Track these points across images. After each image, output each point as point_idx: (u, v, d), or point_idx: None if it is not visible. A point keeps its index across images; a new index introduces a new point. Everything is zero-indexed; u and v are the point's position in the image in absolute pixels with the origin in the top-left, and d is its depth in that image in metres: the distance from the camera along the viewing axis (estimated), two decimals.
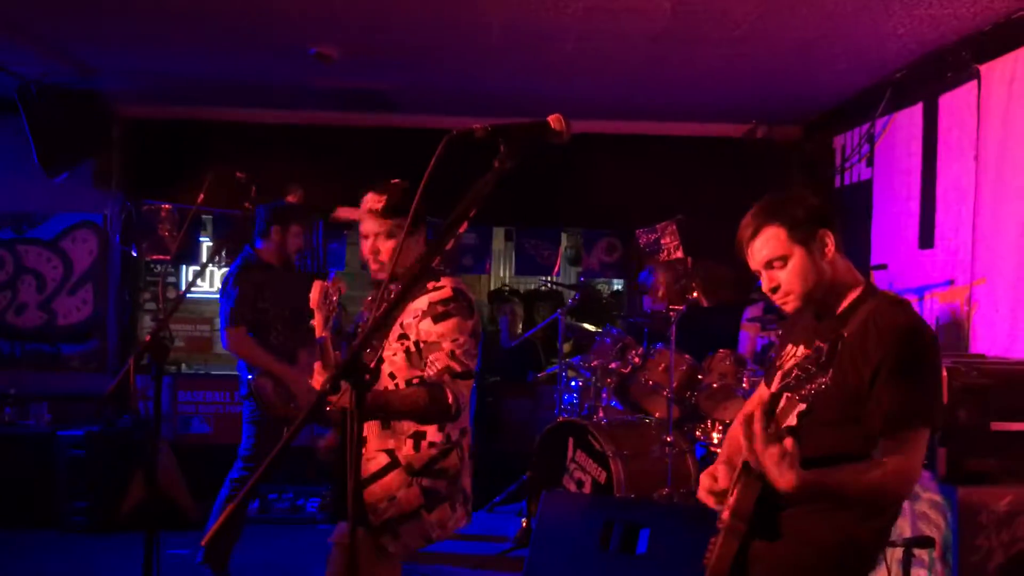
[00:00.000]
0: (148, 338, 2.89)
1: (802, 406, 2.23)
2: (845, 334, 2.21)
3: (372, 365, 2.92)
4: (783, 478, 2.09)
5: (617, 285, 9.44)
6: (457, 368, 2.88)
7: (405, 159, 6.88)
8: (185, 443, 6.70)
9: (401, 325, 2.98)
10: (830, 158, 6.43)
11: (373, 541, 2.90)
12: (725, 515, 2.29)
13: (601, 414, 5.42)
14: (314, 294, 3.02)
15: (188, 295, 7.07)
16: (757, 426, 2.13)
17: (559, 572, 4.27)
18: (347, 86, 6.09)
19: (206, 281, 8.09)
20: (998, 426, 3.39)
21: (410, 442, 2.96)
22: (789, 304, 2.37)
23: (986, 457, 3.37)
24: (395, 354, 2.96)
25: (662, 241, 7.03)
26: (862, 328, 2.23)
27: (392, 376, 2.96)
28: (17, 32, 5.11)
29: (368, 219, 3.04)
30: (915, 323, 2.27)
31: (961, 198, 4.75)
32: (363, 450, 2.90)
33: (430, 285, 2.98)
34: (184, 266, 7.90)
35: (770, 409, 2.21)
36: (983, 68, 4.57)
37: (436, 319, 2.91)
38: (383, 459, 2.95)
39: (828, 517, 2.25)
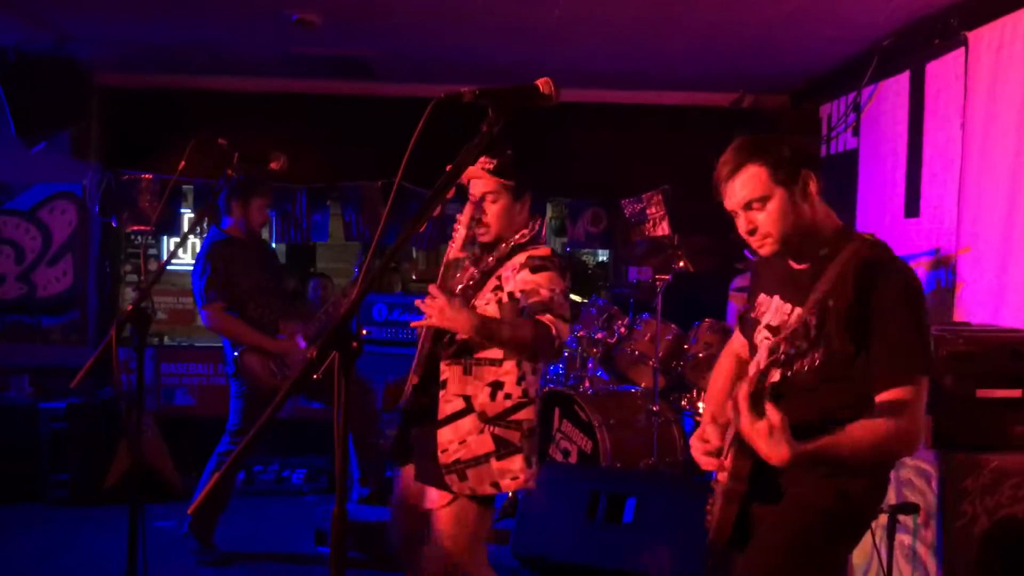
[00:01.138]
0: (130, 308, 2.85)
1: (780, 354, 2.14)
2: (831, 304, 2.12)
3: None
4: (775, 453, 2.02)
5: (602, 256, 9.42)
6: (557, 310, 2.99)
7: (388, 127, 6.84)
8: (169, 415, 6.66)
9: (498, 278, 3.11)
10: (816, 127, 6.41)
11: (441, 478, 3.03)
12: (722, 478, 2.27)
13: (587, 384, 5.42)
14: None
15: (170, 267, 7.01)
16: (743, 404, 2.05)
17: (546, 542, 4.29)
18: (329, 53, 6.01)
19: (188, 253, 8.02)
20: (983, 393, 3.40)
21: (487, 391, 3.06)
22: (766, 247, 2.28)
23: (971, 424, 3.38)
24: (488, 303, 3.09)
25: (648, 211, 7.02)
26: (842, 278, 2.15)
27: None
28: None
29: (479, 179, 3.12)
30: (899, 265, 2.20)
31: (947, 167, 4.74)
32: (441, 392, 3.06)
33: (531, 248, 3.13)
34: (165, 237, 7.82)
35: (758, 387, 2.08)
36: (971, 35, 4.54)
37: (533, 270, 3.04)
38: (459, 404, 3.06)
39: (824, 478, 2.22)
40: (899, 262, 2.22)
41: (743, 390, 2.06)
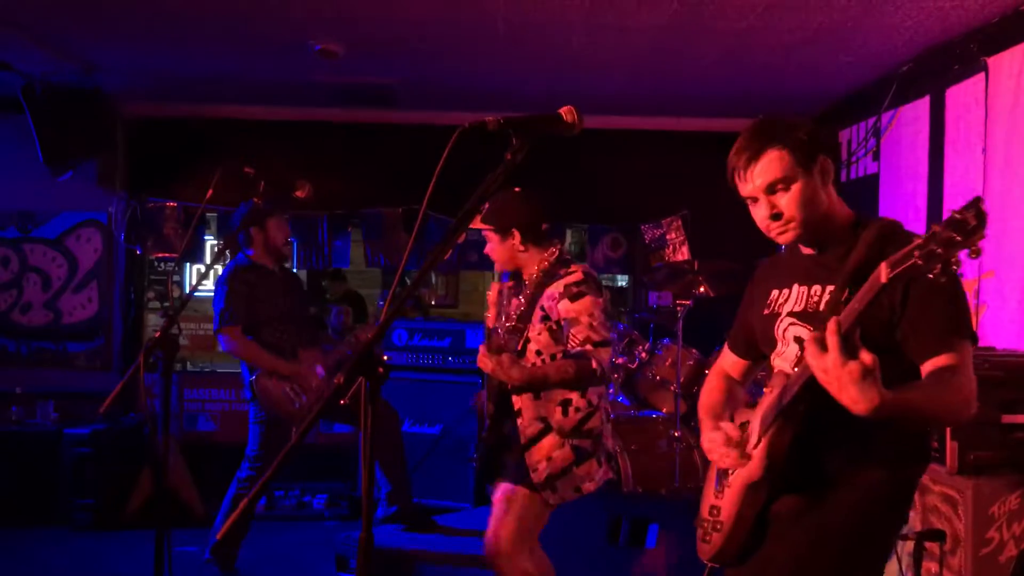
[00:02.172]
0: (158, 334, 2.88)
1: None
2: (865, 274, 1.91)
3: (519, 347, 3.37)
4: (864, 398, 1.82)
5: (621, 281, 9.42)
6: (596, 338, 3.32)
7: (408, 154, 6.93)
8: (191, 441, 6.70)
9: (542, 308, 3.41)
10: (836, 152, 6.42)
11: (538, 496, 3.40)
12: (756, 466, 2.16)
13: (608, 409, 5.41)
14: (491, 294, 3.62)
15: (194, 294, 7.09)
16: (833, 338, 1.82)
17: (567, 568, 4.27)
18: (352, 82, 6.08)
19: (210, 279, 8.08)
20: (1008, 419, 3.38)
21: (559, 409, 3.41)
22: (788, 233, 2.19)
23: (996, 450, 3.36)
24: (540, 333, 3.42)
25: (667, 236, 7.04)
26: (871, 251, 2.06)
27: (538, 353, 3.42)
28: (21, 31, 5.10)
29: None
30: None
31: (968, 192, 4.73)
32: (519, 420, 3.39)
33: (562, 271, 3.42)
34: (188, 264, 7.90)
35: (849, 329, 1.85)
36: (991, 61, 4.55)
37: (572, 299, 3.35)
38: (538, 425, 3.40)
39: (875, 464, 2.15)
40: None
41: (832, 326, 1.83)
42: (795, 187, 2.14)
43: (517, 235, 3.46)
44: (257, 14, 4.76)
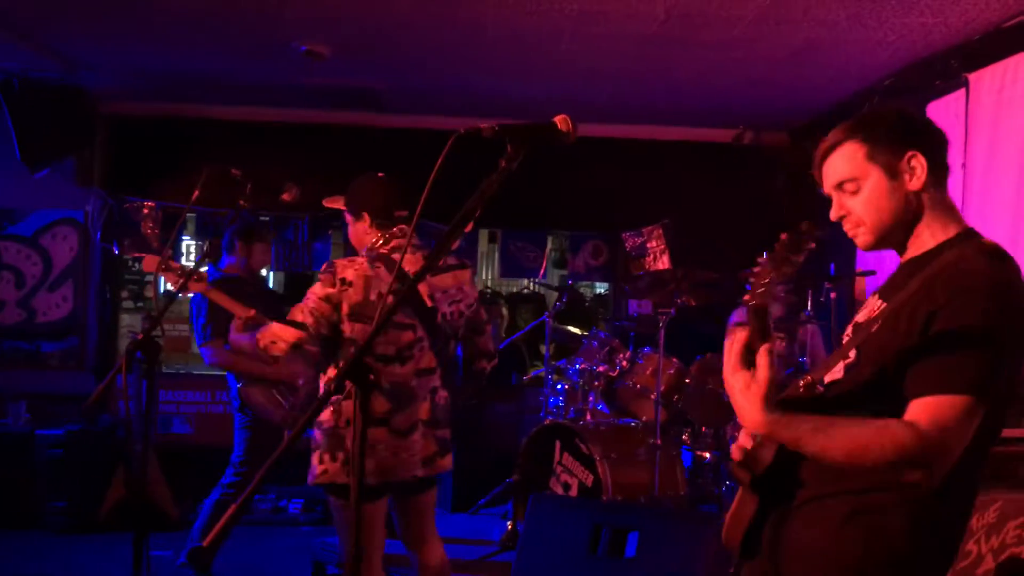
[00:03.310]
0: (140, 336, 2.84)
1: (850, 358, 1.87)
2: (912, 307, 1.77)
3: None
4: (746, 412, 1.73)
5: (600, 288, 9.44)
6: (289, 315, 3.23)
7: (393, 157, 6.88)
8: (165, 443, 6.62)
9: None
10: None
11: None
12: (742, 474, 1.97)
13: (588, 417, 5.42)
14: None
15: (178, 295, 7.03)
16: (735, 346, 1.75)
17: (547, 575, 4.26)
18: (338, 84, 6.06)
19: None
20: None
21: None
22: (860, 238, 1.93)
23: None
24: None
25: (648, 245, 7.06)
26: (931, 277, 1.78)
27: None
28: (2, 26, 5.04)
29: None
30: (997, 275, 1.76)
31: None
32: None
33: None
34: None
35: (760, 337, 1.77)
36: (972, 77, 4.61)
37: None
38: None
39: (846, 521, 1.81)
40: (1004, 274, 1.78)
41: (741, 332, 1.76)
42: (866, 187, 1.88)
43: (367, 218, 3.44)
44: (242, 13, 4.74)
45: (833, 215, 1.96)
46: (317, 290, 3.22)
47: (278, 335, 3.17)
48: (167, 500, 6.05)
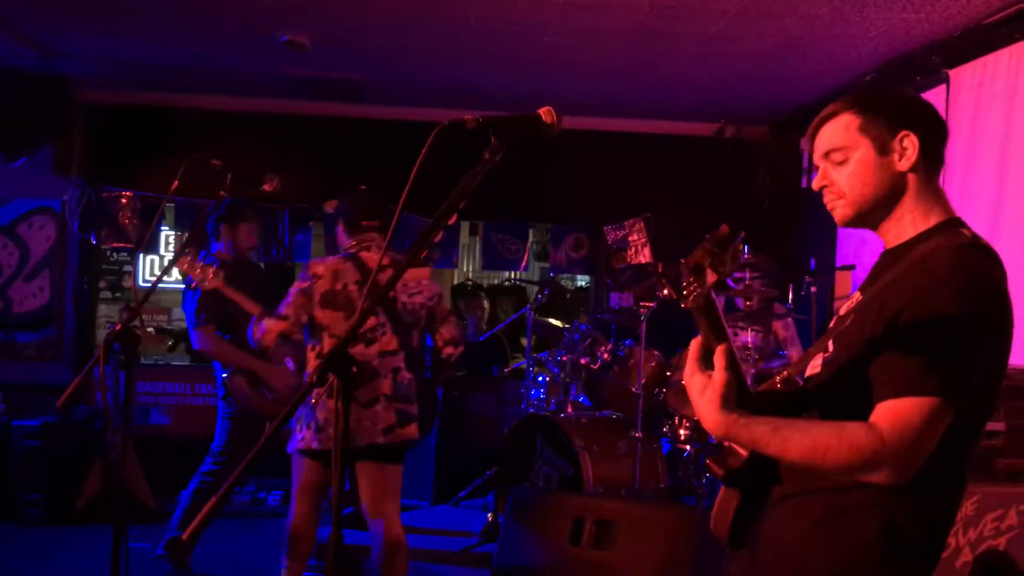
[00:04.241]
0: (119, 327, 2.82)
1: (829, 351, 1.83)
2: (878, 306, 1.74)
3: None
4: (705, 414, 1.71)
5: (581, 281, 9.45)
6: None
7: (374, 149, 6.87)
8: (143, 434, 6.58)
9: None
10: (797, 159, 6.49)
11: None
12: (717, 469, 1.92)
13: (570, 409, 5.43)
14: None
15: (145, 285, 6.98)
16: (692, 348, 1.73)
17: (528, 567, 4.27)
18: (319, 75, 6.02)
19: (169, 274, 7.95)
20: None
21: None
22: (838, 211, 1.87)
23: None
24: None
25: (630, 238, 7.07)
26: (902, 271, 1.74)
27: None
28: None
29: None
30: (965, 264, 1.70)
31: None
32: None
33: None
34: (142, 255, 7.75)
35: (717, 342, 1.72)
36: (952, 73, 4.64)
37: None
38: None
39: (817, 524, 1.78)
40: (976, 267, 1.71)
41: (696, 340, 1.74)
42: (853, 157, 1.82)
43: (341, 224, 3.98)
44: (222, 2, 4.69)
45: (815, 184, 1.91)
46: (295, 287, 3.81)
47: (268, 327, 3.74)
48: (145, 492, 6.02)
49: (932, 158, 1.84)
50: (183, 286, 4.74)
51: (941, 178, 1.84)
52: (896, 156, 1.81)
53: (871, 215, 1.86)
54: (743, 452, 1.81)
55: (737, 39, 4.91)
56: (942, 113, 4.60)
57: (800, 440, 1.68)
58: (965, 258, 1.71)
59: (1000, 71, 4.28)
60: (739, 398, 1.72)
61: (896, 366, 1.66)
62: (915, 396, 1.63)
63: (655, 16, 4.59)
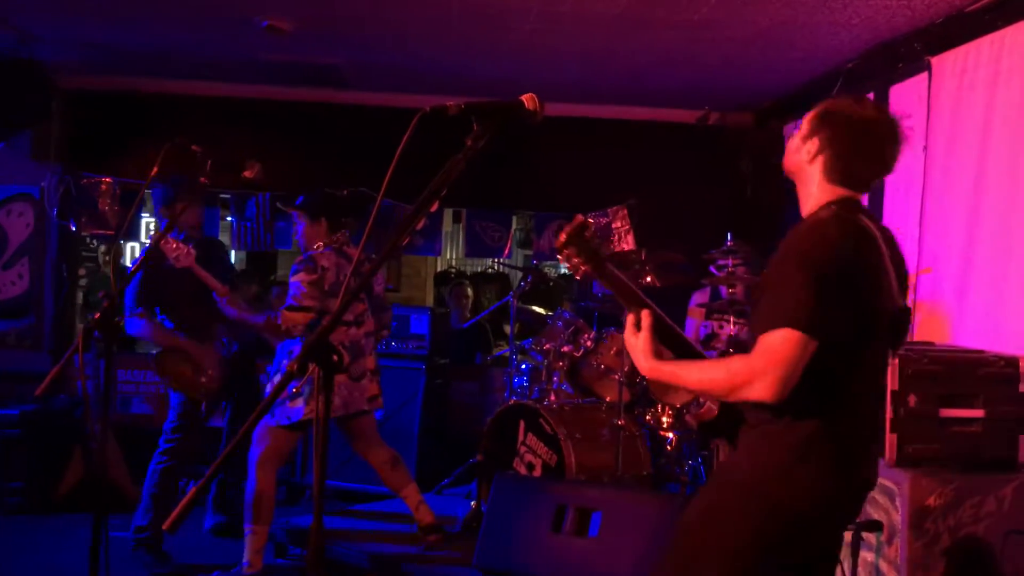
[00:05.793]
0: (98, 316, 2.79)
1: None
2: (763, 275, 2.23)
3: None
4: (637, 361, 2.26)
5: (564, 268, 9.43)
6: (289, 303, 4.25)
7: (355, 136, 6.83)
8: (125, 423, 6.54)
9: None
10: (780, 146, 6.48)
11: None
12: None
13: (552, 397, 5.42)
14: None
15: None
16: (629, 316, 2.28)
17: (511, 555, 4.27)
18: (299, 60, 5.97)
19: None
20: (946, 412, 3.46)
21: None
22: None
23: (934, 443, 3.44)
24: None
25: (613, 225, 7.06)
26: (784, 239, 2.19)
27: None
28: None
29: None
30: (815, 227, 2.17)
31: (909, 188, 4.83)
32: None
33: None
34: (121, 241, 7.69)
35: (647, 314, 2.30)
36: (934, 60, 4.64)
37: (291, 272, 4.42)
38: None
39: (763, 452, 2.18)
40: (814, 231, 2.17)
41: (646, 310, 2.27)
42: (799, 136, 2.33)
43: (324, 222, 4.42)
44: None
45: None
46: (304, 279, 4.22)
47: (295, 320, 4.20)
48: (126, 480, 5.98)
49: (838, 154, 2.28)
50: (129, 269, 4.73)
51: (923, 165, 2.21)
52: (807, 154, 2.31)
53: (795, 183, 2.39)
54: (715, 407, 2.46)
55: (720, 26, 4.90)
56: (924, 101, 4.64)
57: (698, 373, 2.22)
58: (821, 220, 2.18)
59: (982, 58, 4.29)
60: (677, 348, 2.29)
61: (764, 309, 2.12)
62: (772, 329, 2.05)
63: (637, 2, 4.57)
